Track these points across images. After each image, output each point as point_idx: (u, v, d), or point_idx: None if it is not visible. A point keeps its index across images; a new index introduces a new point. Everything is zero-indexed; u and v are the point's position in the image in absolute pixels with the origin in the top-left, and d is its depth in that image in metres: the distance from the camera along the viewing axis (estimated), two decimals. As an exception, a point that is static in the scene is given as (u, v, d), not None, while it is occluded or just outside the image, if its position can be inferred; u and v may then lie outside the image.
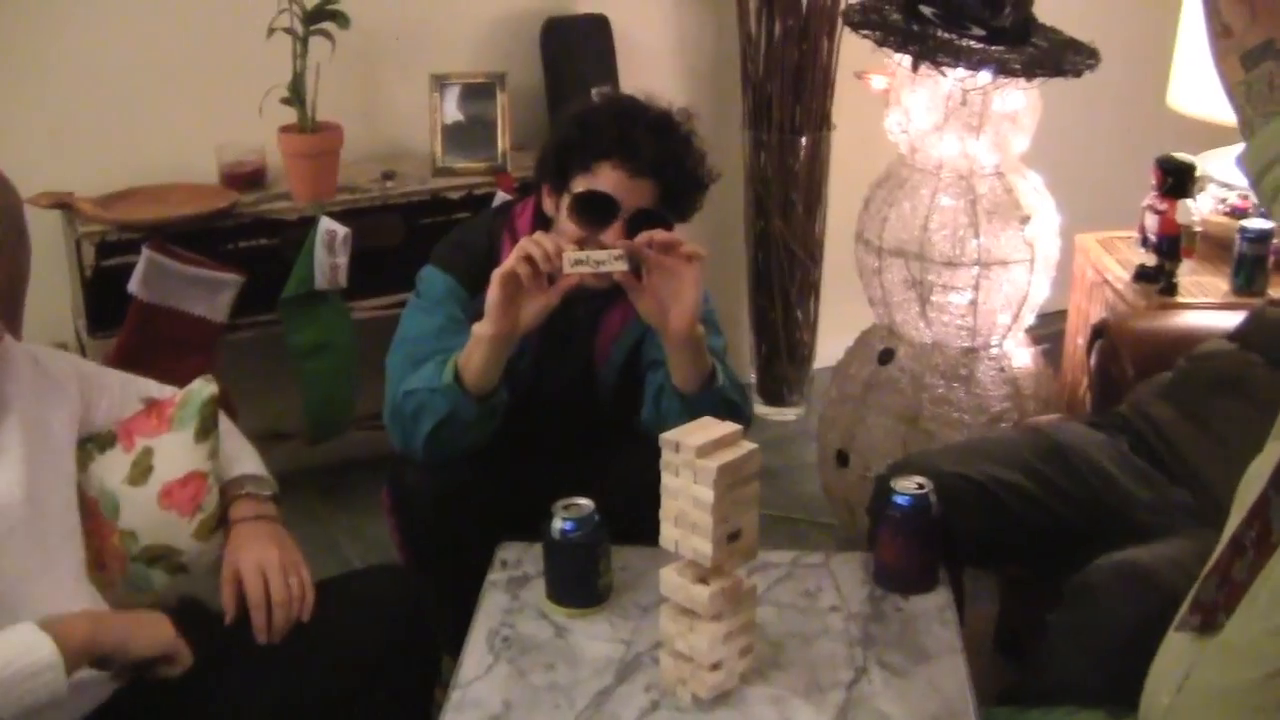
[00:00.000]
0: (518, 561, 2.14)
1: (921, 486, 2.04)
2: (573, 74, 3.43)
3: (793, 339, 3.83)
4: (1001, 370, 2.96)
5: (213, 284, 2.96)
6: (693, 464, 1.67)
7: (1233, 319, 2.46)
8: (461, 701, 1.82)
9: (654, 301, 2.13)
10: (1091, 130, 4.09)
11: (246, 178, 3.16)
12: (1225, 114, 1.85)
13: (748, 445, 1.71)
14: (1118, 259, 3.06)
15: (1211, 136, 3.02)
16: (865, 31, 2.73)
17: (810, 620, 1.99)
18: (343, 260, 3.05)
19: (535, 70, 3.48)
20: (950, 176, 2.87)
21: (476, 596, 2.06)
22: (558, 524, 1.96)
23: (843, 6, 3.32)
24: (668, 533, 1.74)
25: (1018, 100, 2.80)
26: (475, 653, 1.92)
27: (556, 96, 3.42)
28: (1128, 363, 2.55)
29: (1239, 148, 1.53)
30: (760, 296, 3.80)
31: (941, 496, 2.05)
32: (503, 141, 3.30)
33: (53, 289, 3.06)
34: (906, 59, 2.69)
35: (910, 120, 2.88)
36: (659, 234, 2.11)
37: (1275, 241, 2.83)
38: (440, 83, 3.31)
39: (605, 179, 2.18)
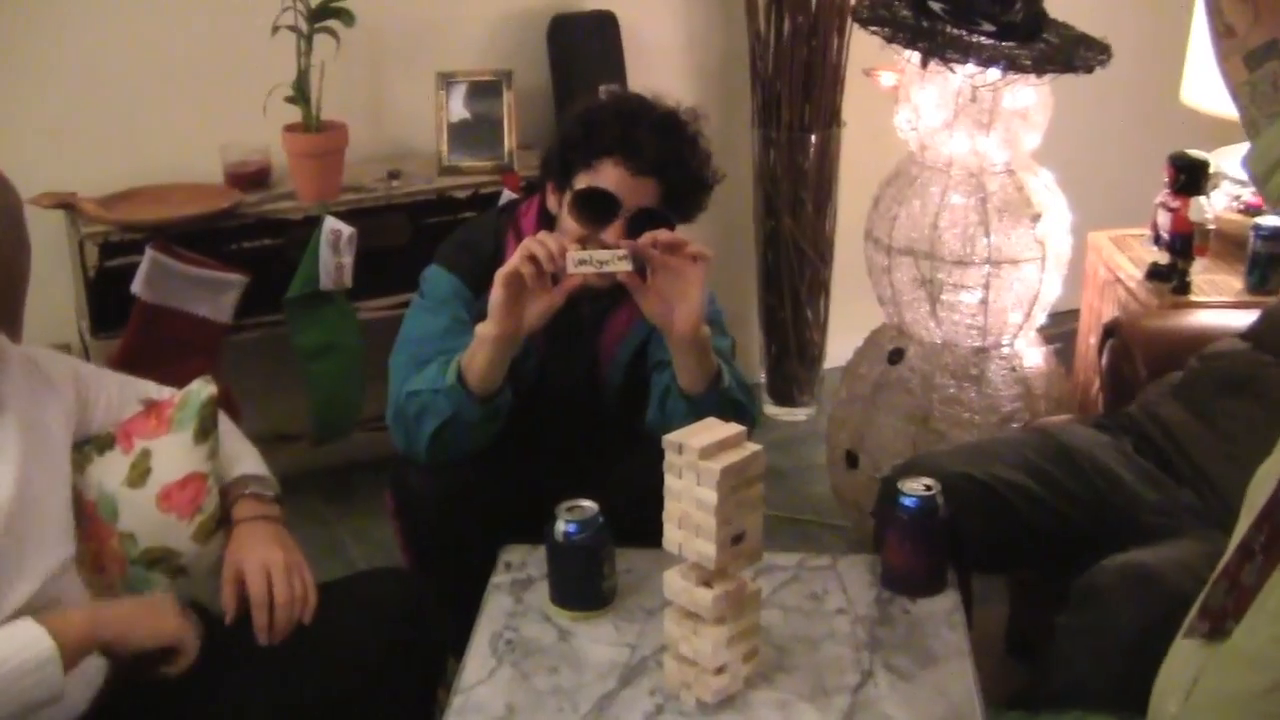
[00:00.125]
0: (521, 564, 2.12)
1: (929, 488, 2.02)
2: (580, 72, 3.42)
3: (802, 338, 3.81)
4: (1013, 370, 2.94)
5: (217, 284, 2.95)
6: (696, 466, 1.66)
7: (1246, 318, 2.44)
8: (464, 706, 1.81)
9: (659, 302, 2.11)
10: (1103, 127, 4.06)
11: (251, 177, 3.15)
12: (1238, 110, 1.83)
13: (752, 447, 1.70)
14: (1130, 257, 3.04)
15: (1225, 133, 2.99)
16: (874, 28, 2.72)
17: (816, 623, 1.97)
18: (348, 260, 3.04)
19: (542, 68, 3.47)
20: (960, 174, 2.85)
21: (480, 598, 2.05)
22: (561, 526, 1.95)
23: (852, 3, 3.30)
24: (671, 535, 1.72)
25: (1028, 97, 2.78)
26: (478, 656, 1.91)
27: (563, 94, 3.40)
28: (1140, 362, 2.53)
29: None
30: (770, 296, 3.78)
31: (947, 497, 2.02)
32: (509, 140, 3.29)
33: (56, 290, 3.06)
34: (915, 55, 2.67)
35: (920, 117, 2.86)
36: (663, 234, 2.10)
37: (1289, 239, 2.80)
38: (446, 81, 3.29)
39: (607, 176, 2.16)
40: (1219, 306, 2.76)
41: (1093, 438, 2.31)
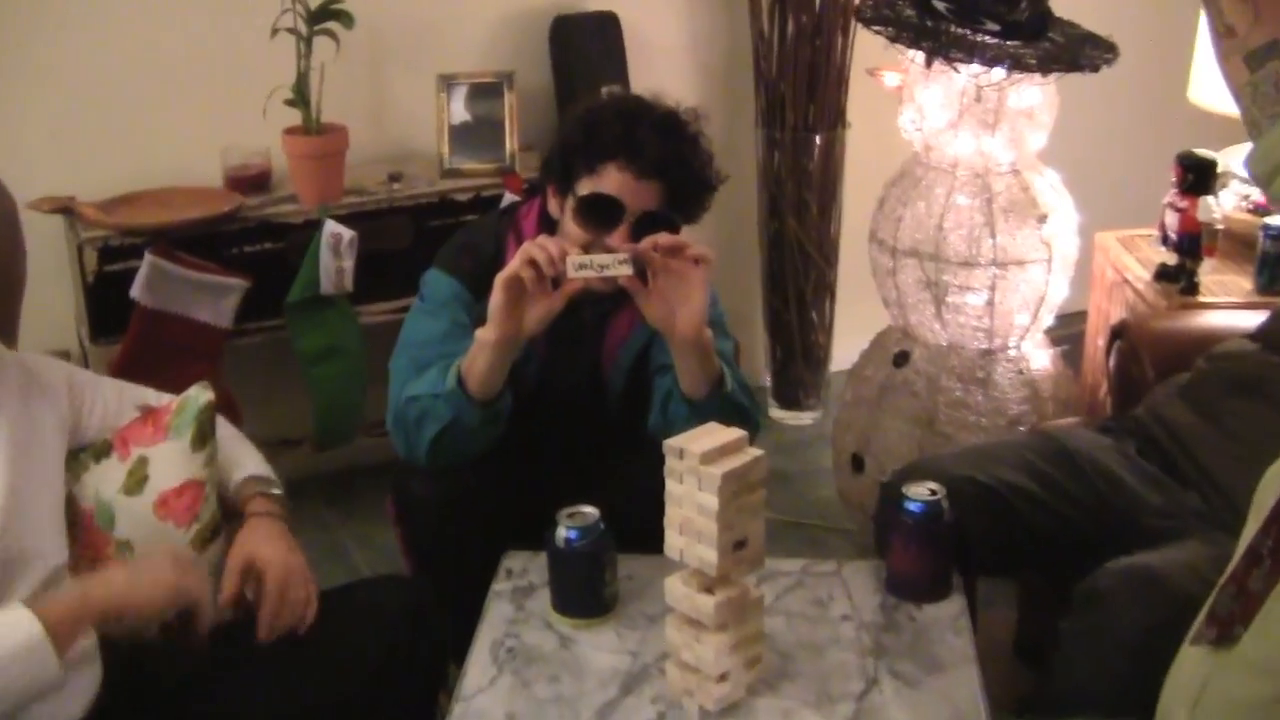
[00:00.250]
0: (523, 571, 2.11)
1: (934, 492, 2.00)
2: (582, 73, 3.40)
3: (808, 341, 3.79)
4: (1019, 372, 2.92)
5: (217, 289, 2.94)
6: (697, 470, 1.65)
7: (1255, 319, 2.42)
8: (465, 714, 1.80)
9: (660, 305, 2.10)
10: (1110, 126, 4.04)
11: (251, 181, 3.14)
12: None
13: (753, 451, 1.68)
14: (1138, 258, 3.01)
15: (1233, 132, 2.95)
16: (878, 27, 2.70)
17: (821, 630, 1.96)
18: (348, 264, 3.03)
19: (544, 69, 3.46)
20: (966, 175, 2.83)
21: (481, 603, 2.04)
22: (562, 532, 1.93)
23: (856, 2, 3.28)
24: (673, 541, 1.71)
25: (1034, 96, 2.76)
26: (479, 664, 1.90)
27: (565, 96, 3.39)
28: (1148, 364, 2.52)
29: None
30: (774, 298, 3.77)
31: (951, 501, 2.01)
32: (511, 142, 3.27)
33: (55, 295, 3.05)
34: (920, 55, 2.65)
35: (924, 118, 2.84)
36: (664, 237, 2.08)
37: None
38: (447, 82, 3.28)
39: (610, 181, 2.15)
40: (1228, 307, 2.74)
41: (1095, 440, 2.30)
